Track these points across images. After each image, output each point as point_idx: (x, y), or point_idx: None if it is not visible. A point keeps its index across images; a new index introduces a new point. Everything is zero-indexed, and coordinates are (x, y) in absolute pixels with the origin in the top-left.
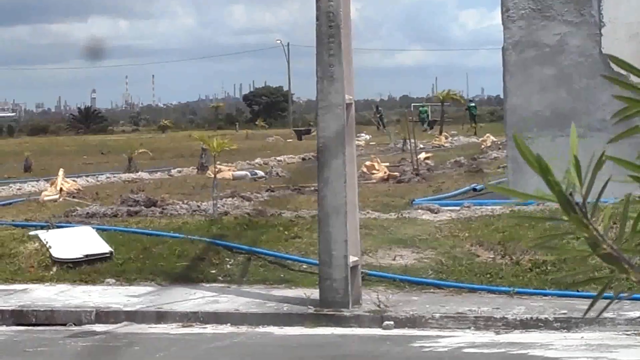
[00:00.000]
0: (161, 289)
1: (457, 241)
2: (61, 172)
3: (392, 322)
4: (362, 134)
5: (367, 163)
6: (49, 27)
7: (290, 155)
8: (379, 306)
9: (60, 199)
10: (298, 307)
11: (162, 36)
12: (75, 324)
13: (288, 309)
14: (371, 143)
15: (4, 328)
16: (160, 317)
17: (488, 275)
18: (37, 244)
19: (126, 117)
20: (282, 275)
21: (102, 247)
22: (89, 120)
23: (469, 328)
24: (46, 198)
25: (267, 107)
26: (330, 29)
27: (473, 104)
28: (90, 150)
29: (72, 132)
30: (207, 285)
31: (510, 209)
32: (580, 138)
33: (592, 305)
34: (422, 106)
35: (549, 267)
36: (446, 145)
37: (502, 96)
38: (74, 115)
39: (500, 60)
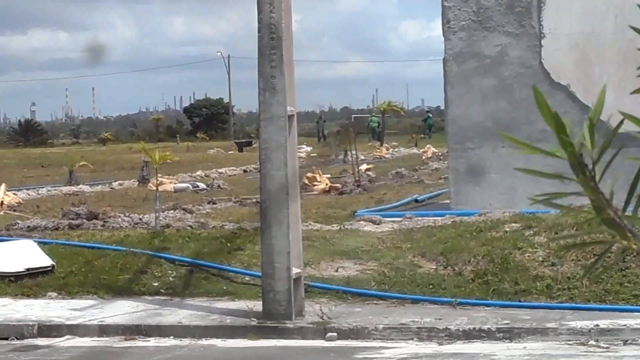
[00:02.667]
0: (103, 302)
1: (400, 252)
2: (2, 186)
3: (335, 334)
4: (303, 146)
5: (309, 175)
6: None
7: (232, 168)
8: (322, 318)
9: (1, 212)
10: (241, 320)
11: (102, 48)
12: (17, 338)
13: (231, 321)
14: (312, 154)
15: None
16: (103, 330)
17: (431, 286)
18: None
19: (66, 129)
20: (224, 288)
21: (43, 260)
22: (29, 133)
23: (412, 339)
24: None
25: (208, 119)
26: (272, 41)
27: (430, 115)
28: (30, 163)
29: (12, 145)
30: (150, 298)
31: (452, 220)
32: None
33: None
34: (373, 116)
35: (491, 278)
36: (387, 156)
37: (442, 107)
38: (14, 128)
39: (441, 71)
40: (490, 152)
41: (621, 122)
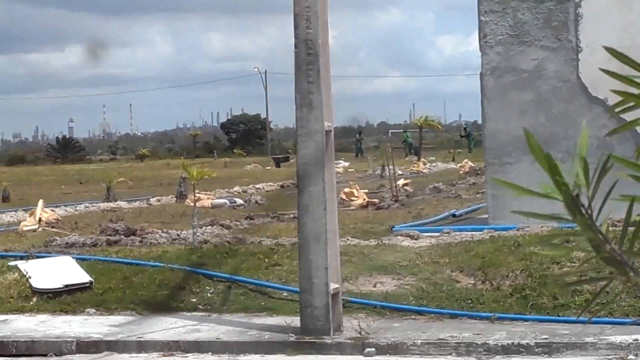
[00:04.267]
0: (142, 318)
1: (438, 267)
2: (41, 202)
3: (373, 349)
4: (341, 161)
5: (346, 190)
6: (26, 56)
7: (269, 183)
8: (360, 333)
9: (40, 229)
10: (279, 335)
11: (140, 64)
12: (55, 355)
13: (269, 336)
14: (349, 170)
15: None
16: (141, 346)
17: (469, 301)
18: (16, 274)
19: (104, 146)
20: (262, 303)
21: (82, 276)
22: (67, 149)
23: (451, 354)
24: (25, 228)
25: (245, 134)
26: (308, 57)
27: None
28: (68, 180)
29: (50, 161)
30: (188, 314)
31: (490, 235)
32: (559, 163)
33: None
34: (405, 131)
35: (529, 292)
36: (424, 171)
37: (479, 121)
38: (52, 145)
39: (478, 85)
40: (528, 166)
41: (607, 165)
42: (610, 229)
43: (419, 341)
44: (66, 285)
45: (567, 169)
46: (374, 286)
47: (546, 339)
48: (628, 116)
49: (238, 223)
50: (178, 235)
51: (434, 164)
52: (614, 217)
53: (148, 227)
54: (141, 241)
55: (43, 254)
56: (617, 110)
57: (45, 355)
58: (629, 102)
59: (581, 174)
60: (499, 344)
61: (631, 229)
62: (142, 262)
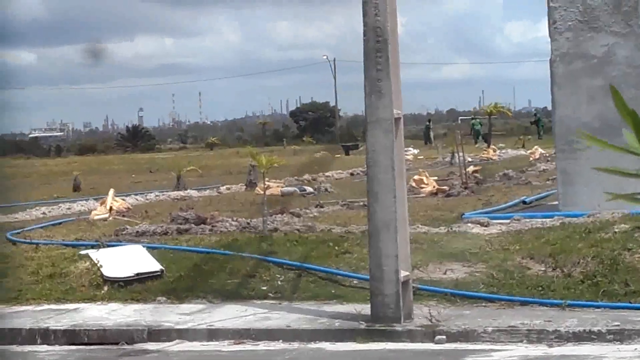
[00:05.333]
0: (212, 306)
1: (508, 254)
2: (111, 191)
3: (444, 337)
4: (410, 148)
5: (416, 177)
6: (95, 46)
7: (339, 171)
8: (430, 321)
9: (110, 218)
10: (349, 323)
11: (208, 53)
12: (127, 343)
13: (340, 324)
14: (419, 157)
15: (56, 348)
16: (212, 334)
17: (539, 288)
18: (87, 263)
19: (173, 134)
20: (332, 291)
21: (152, 265)
22: (137, 138)
23: (522, 341)
24: (96, 217)
25: (314, 122)
26: (377, 44)
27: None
28: (138, 169)
29: (120, 150)
30: (258, 302)
31: (560, 222)
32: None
33: None
34: (474, 119)
35: (600, 279)
36: (494, 158)
37: (549, 108)
38: (122, 134)
39: (548, 72)
40: (598, 152)
41: None
42: None
43: (490, 328)
44: (137, 274)
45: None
46: (444, 274)
47: (617, 325)
48: None
49: (308, 211)
50: (248, 223)
51: (503, 151)
52: None
53: (218, 216)
54: (211, 229)
55: (114, 243)
56: None
57: (116, 344)
58: None
59: None
60: (570, 331)
61: None
62: (213, 250)
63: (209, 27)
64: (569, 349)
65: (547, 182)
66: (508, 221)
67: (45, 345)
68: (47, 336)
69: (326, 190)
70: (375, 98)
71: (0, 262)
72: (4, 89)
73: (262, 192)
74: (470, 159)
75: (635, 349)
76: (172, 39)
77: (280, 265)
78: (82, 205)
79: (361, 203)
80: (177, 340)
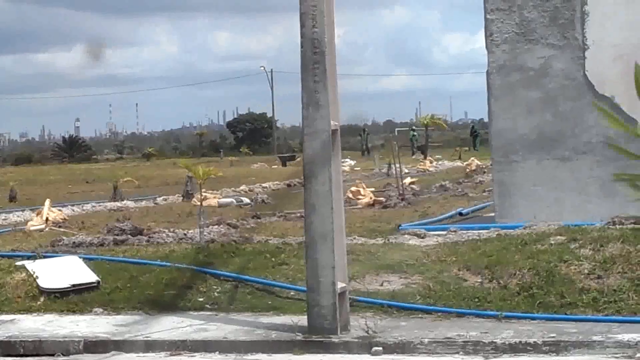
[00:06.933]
0: (149, 318)
1: (445, 266)
2: (47, 202)
3: (380, 348)
4: (347, 160)
5: (353, 188)
6: (32, 56)
7: (276, 182)
8: (367, 332)
9: (47, 229)
10: (286, 334)
11: (146, 64)
12: (63, 354)
13: (276, 336)
14: (356, 168)
15: None
16: (149, 346)
17: (476, 300)
18: (24, 274)
19: (110, 145)
20: (269, 302)
21: (89, 276)
22: (73, 149)
23: (458, 353)
24: (32, 228)
25: (251, 133)
26: (315, 55)
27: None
28: (75, 179)
29: (57, 161)
30: (195, 313)
31: (497, 233)
32: (566, 161)
33: None
34: (412, 130)
35: (536, 291)
36: (431, 169)
37: (486, 119)
38: (58, 144)
39: (485, 83)
40: (535, 164)
41: None
42: None
43: (426, 340)
44: (73, 285)
45: (575, 166)
46: (381, 285)
47: (554, 337)
48: (637, 116)
49: (245, 222)
50: (185, 234)
51: (440, 162)
52: None
53: (155, 227)
54: (148, 240)
55: (50, 254)
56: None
57: (52, 355)
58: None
59: None
60: (507, 343)
61: None
62: (149, 262)
63: (147, 38)
64: None
65: (484, 193)
66: (445, 233)
67: None
68: None
69: (263, 201)
70: (313, 109)
71: None
72: None
73: (199, 203)
74: (407, 170)
75: None
76: (110, 49)
77: (217, 277)
78: (18, 216)
79: (298, 214)
80: (113, 352)
